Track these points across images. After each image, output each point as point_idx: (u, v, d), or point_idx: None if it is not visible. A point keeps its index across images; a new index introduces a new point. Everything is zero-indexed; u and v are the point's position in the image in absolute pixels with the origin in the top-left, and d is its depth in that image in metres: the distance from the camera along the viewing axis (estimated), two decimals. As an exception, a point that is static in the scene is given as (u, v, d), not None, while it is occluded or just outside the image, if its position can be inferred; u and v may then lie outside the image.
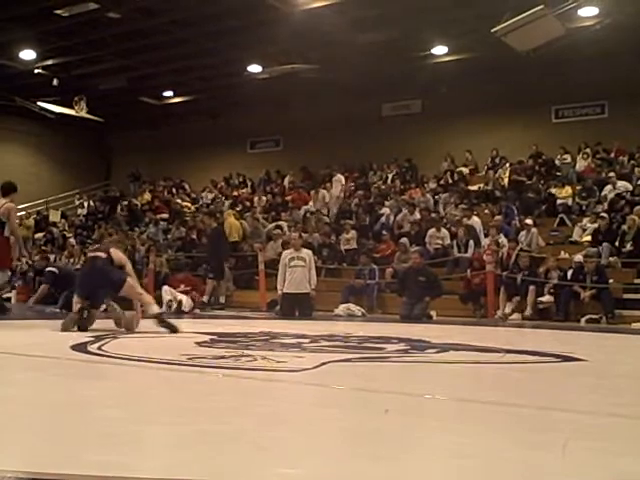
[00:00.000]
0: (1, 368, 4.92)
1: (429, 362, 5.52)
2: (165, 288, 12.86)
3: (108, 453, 2.33)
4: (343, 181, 19.29)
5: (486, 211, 15.85)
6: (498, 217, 14.83)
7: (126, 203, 22.17)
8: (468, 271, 12.85)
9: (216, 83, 20.66)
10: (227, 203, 20.57)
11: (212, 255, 13.99)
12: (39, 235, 20.65)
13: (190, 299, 12.63)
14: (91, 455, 2.29)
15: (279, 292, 12.17)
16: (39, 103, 21.75)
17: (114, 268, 7.83)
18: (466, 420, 3.15)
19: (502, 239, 13.48)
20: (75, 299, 7.82)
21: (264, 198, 20.40)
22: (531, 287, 11.74)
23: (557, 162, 17.88)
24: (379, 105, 21.43)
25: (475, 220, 14.72)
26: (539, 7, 12.11)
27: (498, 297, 12.06)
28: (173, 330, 7.60)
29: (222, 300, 13.67)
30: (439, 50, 18.01)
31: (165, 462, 2.29)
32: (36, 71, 19.52)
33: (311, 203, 19.04)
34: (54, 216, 22.48)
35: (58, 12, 15.80)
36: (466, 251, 13.69)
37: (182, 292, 12.76)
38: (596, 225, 13.58)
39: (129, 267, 8.17)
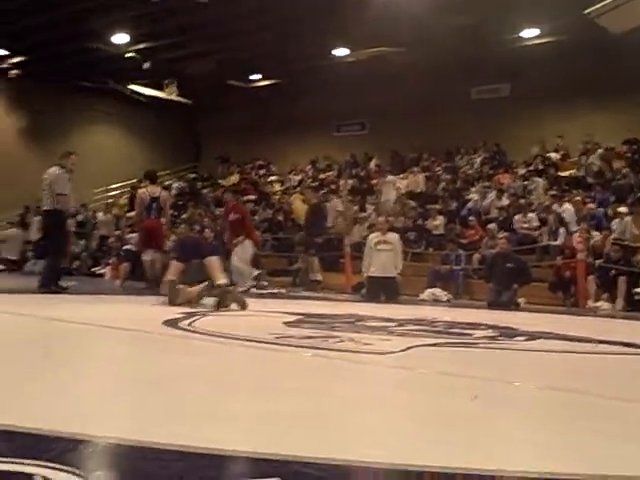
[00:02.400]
0: (96, 341, 5.08)
1: (518, 350, 5.42)
2: None
3: (197, 427, 2.38)
4: (397, 183, 18.36)
5: (577, 198, 15.44)
6: (591, 204, 14.43)
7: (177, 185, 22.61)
8: (558, 258, 12.56)
9: (302, 66, 20.72)
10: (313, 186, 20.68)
11: (311, 231, 14.10)
12: (131, 214, 21.22)
13: None
14: (181, 428, 2.34)
15: (364, 275, 12.16)
16: (131, 86, 22.30)
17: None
18: (555, 409, 3.08)
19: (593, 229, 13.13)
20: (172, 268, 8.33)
21: (350, 182, 20.40)
22: (622, 277, 11.40)
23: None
24: (467, 88, 21.10)
25: (567, 207, 14.36)
26: (637, -13, 11.66)
27: (589, 286, 11.77)
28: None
29: (319, 277, 13.76)
30: (529, 32, 17.63)
31: (252, 438, 2.31)
32: (128, 55, 20.00)
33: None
34: (145, 196, 23.02)
35: (150, -3, 16.15)
36: (556, 238, 13.38)
37: None
38: (696, 213, 13.05)
39: None
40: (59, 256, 10.37)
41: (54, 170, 9.87)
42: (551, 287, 12.37)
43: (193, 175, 26.15)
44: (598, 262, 11.99)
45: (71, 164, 10.00)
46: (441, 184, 18.35)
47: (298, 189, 20.80)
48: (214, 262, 8.31)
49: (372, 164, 21.78)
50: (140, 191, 11.59)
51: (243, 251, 12.34)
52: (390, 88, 20.79)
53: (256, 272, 12.55)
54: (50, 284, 9.64)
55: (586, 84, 18.23)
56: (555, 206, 14.47)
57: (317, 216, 14.44)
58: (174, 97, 22.16)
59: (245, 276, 12.31)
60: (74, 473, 1.75)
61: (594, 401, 3.31)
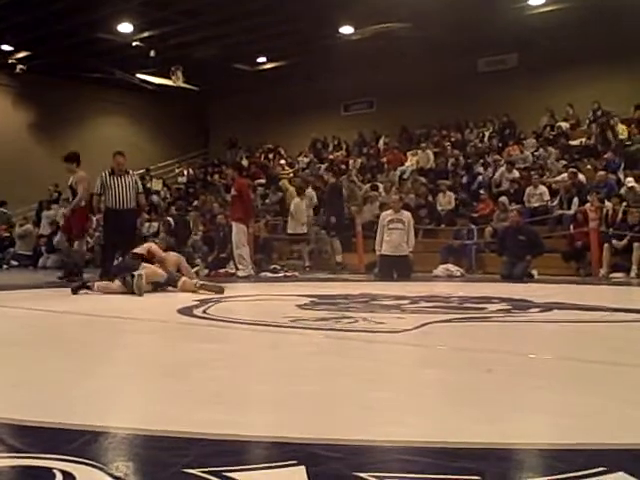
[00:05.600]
0: (114, 331, 5.13)
1: (532, 321, 5.44)
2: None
3: (218, 412, 2.41)
4: (315, 198, 16.10)
5: (588, 166, 15.36)
6: (601, 172, 14.36)
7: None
8: (571, 227, 12.56)
9: (308, 47, 20.62)
10: (322, 167, 20.67)
11: (332, 212, 14.03)
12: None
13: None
14: (202, 414, 2.38)
15: (377, 253, 12.17)
16: (138, 75, 22.29)
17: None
18: (572, 379, 3.10)
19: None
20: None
21: (359, 160, 20.38)
22: (636, 244, 11.36)
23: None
24: (474, 61, 20.95)
25: (579, 176, 14.31)
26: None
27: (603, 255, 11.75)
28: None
29: (339, 259, 13.78)
30: (535, 1, 17.44)
31: (273, 421, 2.35)
32: (134, 43, 19.99)
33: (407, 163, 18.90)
34: (156, 185, 23.09)
35: (153, -17, 16.10)
36: (569, 208, 13.35)
37: None
38: None
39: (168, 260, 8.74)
40: (104, 251, 10.87)
41: (103, 173, 10.20)
42: (564, 257, 12.36)
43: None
44: (611, 230, 11.95)
45: (116, 164, 10.16)
46: (450, 159, 18.29)
47: (307, 171, 20.82)
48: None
49: (381, 142, 21.73)
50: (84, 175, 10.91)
51: (236, 232, 12.17)
52: (397, 64, 20.69)
53: (242, 266, 12.14)
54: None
55: (595, 50, 18.05)
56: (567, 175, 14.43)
57: (334, 197, 14.39)
58: (181, 84, 22.11)
59: (237, 260, 12.24)
60: (93, 466, 1.79)
61: (609, 369, 3.33)
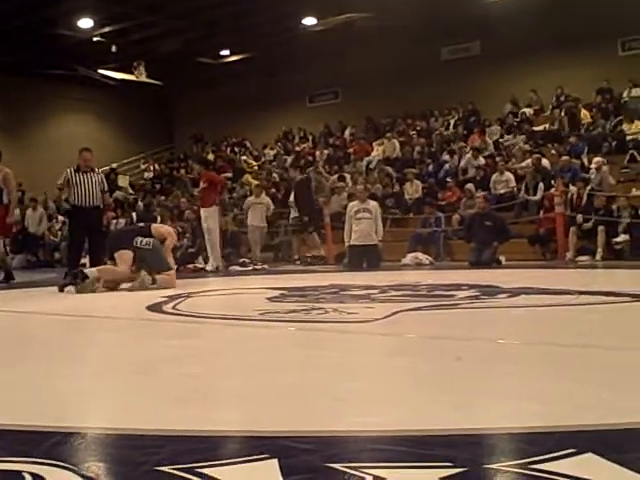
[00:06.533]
0: (81, 330, 5.08)
1: (501, 307, 5.48)
2: None
3: (189, 408, 2.40)
4: (271, 206, 15.15)
5: (552, 151, 15.51)
6: (565, 157, 14.51)
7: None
8: (541, 212, 12.70)
9: (271, 39, 20.56)
10: (289, 159, 20.64)
11: (305, 207, 13.99)
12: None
13: None
14: (174, 411, 2.36)
15: (346, 244, 12.19)
16: (100, 71, 22.06)
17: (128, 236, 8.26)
18: (541, 364, 3.13)
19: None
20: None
21: (325, 152, 20.38)
22: (600, 227, 11.51)
23: (625, 96, 17.29)
24: (438, 49, 21.04)
25: (544, 162, 14.45)
26: None
27: (567, 239, 11.89)
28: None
29: (322, 252, 13.74)
30: (497, -12, 17.58)
31: (244, 415, 2.34)
32: (95, 39, 19.77)
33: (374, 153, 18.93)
34: (123, 181, 22.87)
35: (112, -22, 15.92)
36: (535, 193, 13.48)
37: None
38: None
39: (168, 242, 8.51)
40: (70, 250, 10.72)
41: (68, 169, 10.09)
42: (530, 241, 12.49)
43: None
44: (578, 214, 12.09)
45: (82, 161, 10.05)
46: (417, 147, 18.35)
47: (274, 164, 20.78)
48: (121, 256, 8.17)
49: (347, 132, 21.76)
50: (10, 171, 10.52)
51: (205, 218, 12.20)
52: (360, 55, 20.71)
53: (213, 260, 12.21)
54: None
55: (555, 38, 18.22)
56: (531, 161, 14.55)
57: (304, 192, 14.37)
58: (144, 79, 21.95)
59: (209, 249, 12.28)
60: (64, 467, 1.77)
61: (577, 352, 3.37)
